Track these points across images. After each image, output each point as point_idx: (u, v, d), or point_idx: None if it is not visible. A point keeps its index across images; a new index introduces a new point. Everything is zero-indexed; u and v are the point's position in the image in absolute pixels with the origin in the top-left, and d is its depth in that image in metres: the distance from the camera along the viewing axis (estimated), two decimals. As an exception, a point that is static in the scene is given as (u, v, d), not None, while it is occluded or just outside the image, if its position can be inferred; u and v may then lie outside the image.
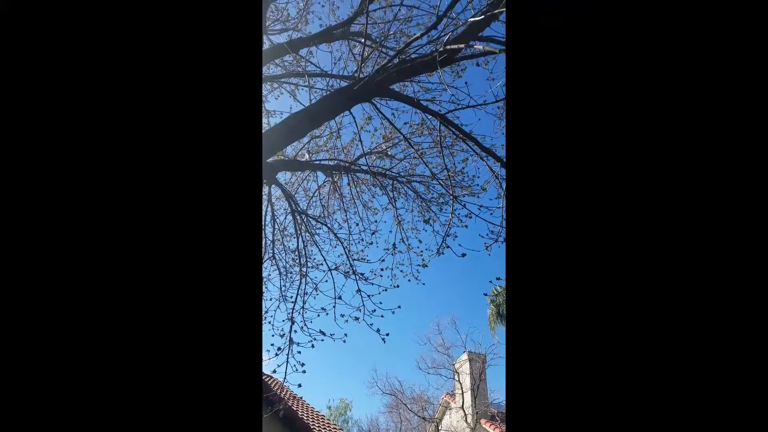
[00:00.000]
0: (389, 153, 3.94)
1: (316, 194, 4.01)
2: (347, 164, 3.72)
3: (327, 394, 28.01)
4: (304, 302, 3.95)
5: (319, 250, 3.90)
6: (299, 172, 3.98)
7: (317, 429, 6.77)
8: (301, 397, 8.01)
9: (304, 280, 3.92)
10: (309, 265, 3.97)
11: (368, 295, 3.84)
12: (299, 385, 4.38)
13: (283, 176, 4.04)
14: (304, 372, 3.91)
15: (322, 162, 3.84)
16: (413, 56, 2.93)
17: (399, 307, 4.05)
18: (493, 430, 9.24)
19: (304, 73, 2.98)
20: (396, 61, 2.84)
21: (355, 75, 3.01)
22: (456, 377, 8.96)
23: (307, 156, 3.79)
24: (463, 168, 4.03)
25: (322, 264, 4.04)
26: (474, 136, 3.69)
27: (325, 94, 2.90)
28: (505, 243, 3.90)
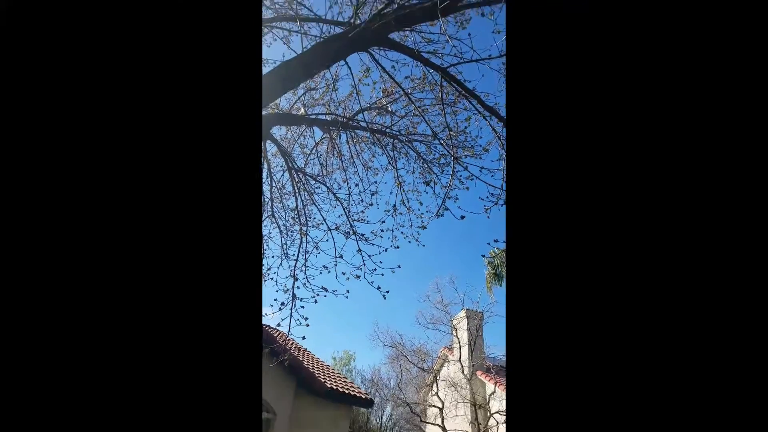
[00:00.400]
0: (389, 109, 3.71)
1: (313, 152, 3.84)
2: (345, 119, 3.52)
3: (331, 346, 29.17)
4: (305, 260, 3.92)
5: (319, 210, 3.80)
6: (295, 127, 3.79)
7: (322, 377, 7.02)
8: (306, 349, 8.26)
9: (304, 238, 3.86)
10: (309, 224, 3.90)
11: (369, 255, 3.80)
12: (303, 338, 4.44)
13: (277, 131, 3.86)
14: (307, 325, 3.97)
15: (318, 116, 3.63)
16: (413, 1, 2.65)
17: (399, 266, 4.01)
18: (488, 381, 9.55)
19: (296, 17, 2.73)
20: (395, 6, 2.57)
21: (351, 21, 2.75)
22: (454, 332, 9.15)
23: (302, 110, 3.57)
24: (465, 128, 3.82)
25: (322, 224, 3.97)
26: (477, 93, 3.45)
27: (319, 41, 2.67)
28: (504, 205, 3.78)
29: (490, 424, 7.88)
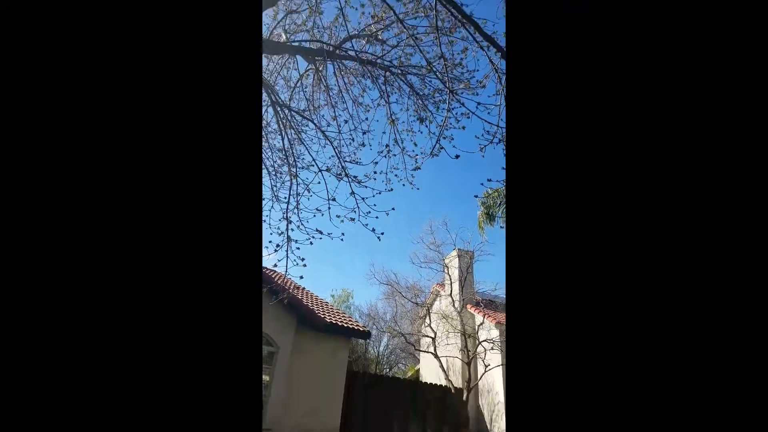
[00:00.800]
0: (380, 37, 3.32)
1: (298, 85, 3.49)
2: (331, 47, 3.14)
3: (329, 285, 30.22)
4: (297, 203, 3.78)
5: (308, 150, 3.56)
6: (276, 57, 3.40)
7: (321, 313, 7.25)
8: (304, 287, 8.44)
9: (295, 180, 3.68)
10: (298, 165, 3.69)
11: (362, 198, 3.66)
12: (301, 277, 4.46)
13: (258, 62, 3.46)
14: (304, 266, 3.94)
15: (302, 44, 3.24)
16: None
17: (393, 209, 3.91)
18: (477, 313, 10.00)
19: None
20: None
21: None
22: (446, 270, 9.38)
23: (284, 36, 3.17)
24: (461, 60, 3.48)
25: (312, 165, 3.76)
26: (475, 19, 3.08)
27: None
28: (499, 143, 3.59)
29: (478, 350, 8.38)
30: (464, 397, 7.64)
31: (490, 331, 9.53)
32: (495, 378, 9.44)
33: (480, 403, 9.86)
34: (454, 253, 10.42)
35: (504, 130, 3.47)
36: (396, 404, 8.32)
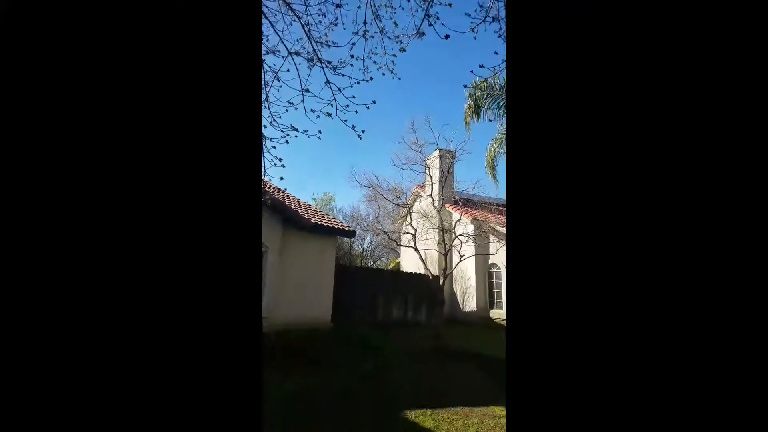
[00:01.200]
0: None
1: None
2: None
3: (310, 188, 29.99)
4: (266, 94, 3.30)
5: (272, 26, 2.94)
6: None
7: (306, 215, 7.21)
8: (285, 189, 8.25)
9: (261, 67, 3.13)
10: (263, 49, 3.09)
11: (339, 88, 3.20)
12: (281, 178, 4.18)
13: None
14: (283, 166, 3.65)
15: None
16: None
17: (374, 102, 3.47)
18: (455, 211, 10.27)
19: None
20: None
21: None
22: (427, 171, 9.26)
23: None
24: None
25: (279, 49, 3.18)
26: None
27: None
28: (493, 22, 3.06)
29: (454, 243, 8.82)
30: (441, 283, 8.28)
31: (466, 226, 9.92)
32: (468, 266, 10.19)
33: (454, 287, 10.83)
34: (436, 153, 10.19)
35: (500, 3, 2.93)
36: (380, 291, 9.00)
